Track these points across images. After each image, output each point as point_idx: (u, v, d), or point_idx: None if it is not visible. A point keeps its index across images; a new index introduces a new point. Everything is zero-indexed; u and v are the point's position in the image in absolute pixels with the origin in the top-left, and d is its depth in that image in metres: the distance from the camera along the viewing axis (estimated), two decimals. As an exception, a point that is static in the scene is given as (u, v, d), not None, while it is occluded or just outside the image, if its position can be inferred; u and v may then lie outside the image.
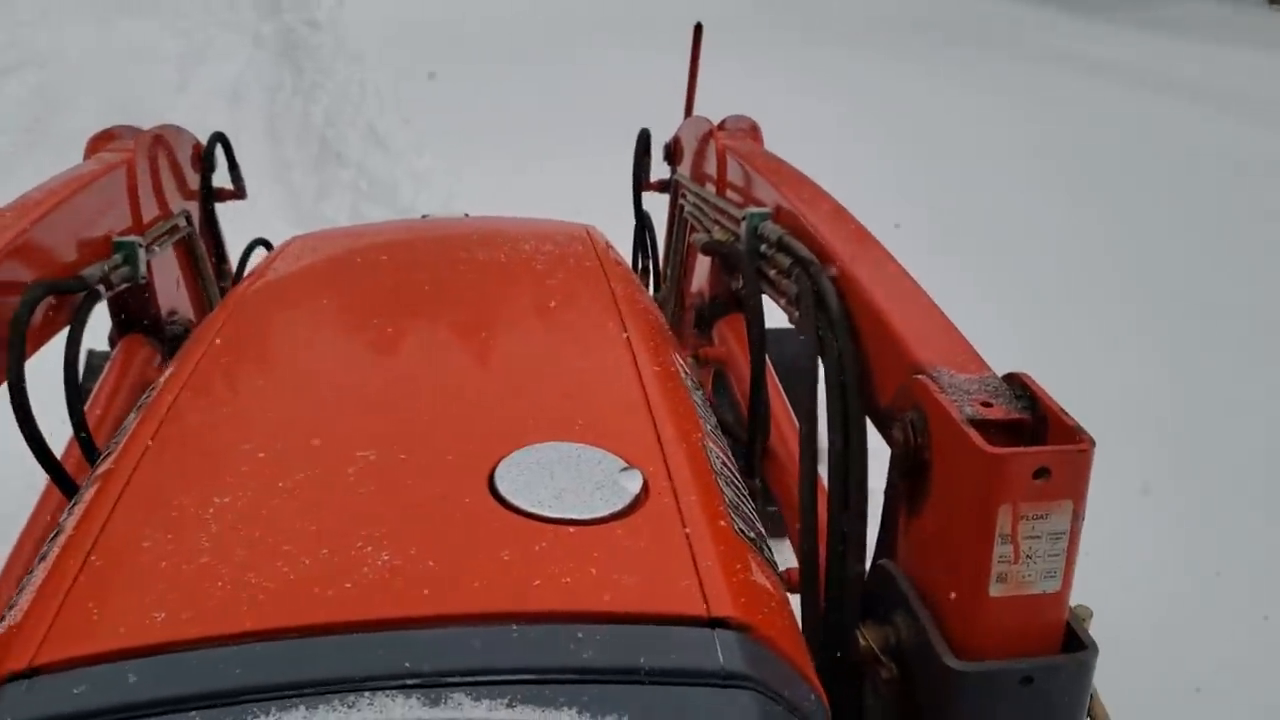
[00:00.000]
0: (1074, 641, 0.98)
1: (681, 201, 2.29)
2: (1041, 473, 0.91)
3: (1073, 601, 1.00)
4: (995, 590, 0.94)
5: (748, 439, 1.54)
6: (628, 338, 1.24)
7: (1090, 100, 7.95)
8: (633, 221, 2.55)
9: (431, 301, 1.37)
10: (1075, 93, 8.15)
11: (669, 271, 2.45)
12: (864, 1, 11.37)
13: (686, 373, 1.26)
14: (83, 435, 1.41)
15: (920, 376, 1.05)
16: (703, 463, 0.99)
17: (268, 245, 2.54)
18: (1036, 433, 0.98)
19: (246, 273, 2.32)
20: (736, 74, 6.07)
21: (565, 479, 0.91)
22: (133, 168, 1.87)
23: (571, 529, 0.84)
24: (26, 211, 1.48)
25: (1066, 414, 0.96)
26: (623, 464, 0.93)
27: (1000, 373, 1.08)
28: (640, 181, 2.55)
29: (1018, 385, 1.03)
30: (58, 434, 1.40)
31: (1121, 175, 6.28)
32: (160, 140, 2.07)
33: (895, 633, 1.04)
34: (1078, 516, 0.94)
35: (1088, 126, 7.25)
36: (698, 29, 2.52)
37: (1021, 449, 0.92)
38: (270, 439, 0.98)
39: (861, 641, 1.06)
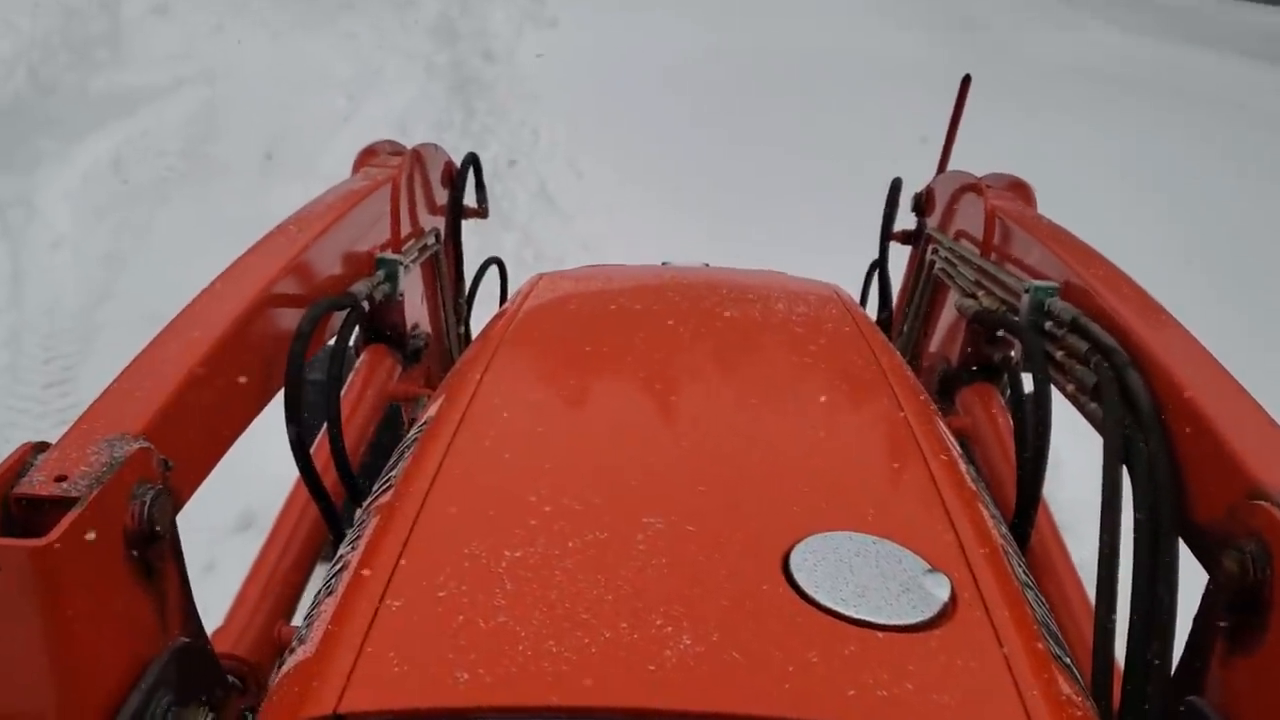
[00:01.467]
0: None
1: (932, 257, 2.20)
2: None
3: None
4: None
5: (1013, 532, 1.41)
6: (904, 417, 1.18)
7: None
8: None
9: (701, 362, 1.34)
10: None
11: (906, 328, 2.37)
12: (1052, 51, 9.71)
13: (967, 459, 1.17)
14: (338, 446, 1.45)
15: (1263, 503, 0.95)
16: (1007, 571, 0.91)
17: (501, 265, 2.62)
18: None
19: (484, 300, 2.47)
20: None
21: (866, 575, 0.85)
22: (397, 186, 1.93)
23: (880, 634, 0.79)
24: (308, 226, 1.55)
25: None
26: (927, 566, 0.87)
27: None
28: (889, 230, 2.49)
29: None
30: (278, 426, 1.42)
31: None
32: (419, 158, 2.14)
33: None
34: None
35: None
36: (965, 80, 2.44)
37: None
38: (555, 492, 0.96)
39: None
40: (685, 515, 0.92)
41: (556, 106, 7.26)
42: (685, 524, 0.90)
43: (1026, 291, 1.53)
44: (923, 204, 2.40)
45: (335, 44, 7.98)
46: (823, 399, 1.29)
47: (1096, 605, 1.09)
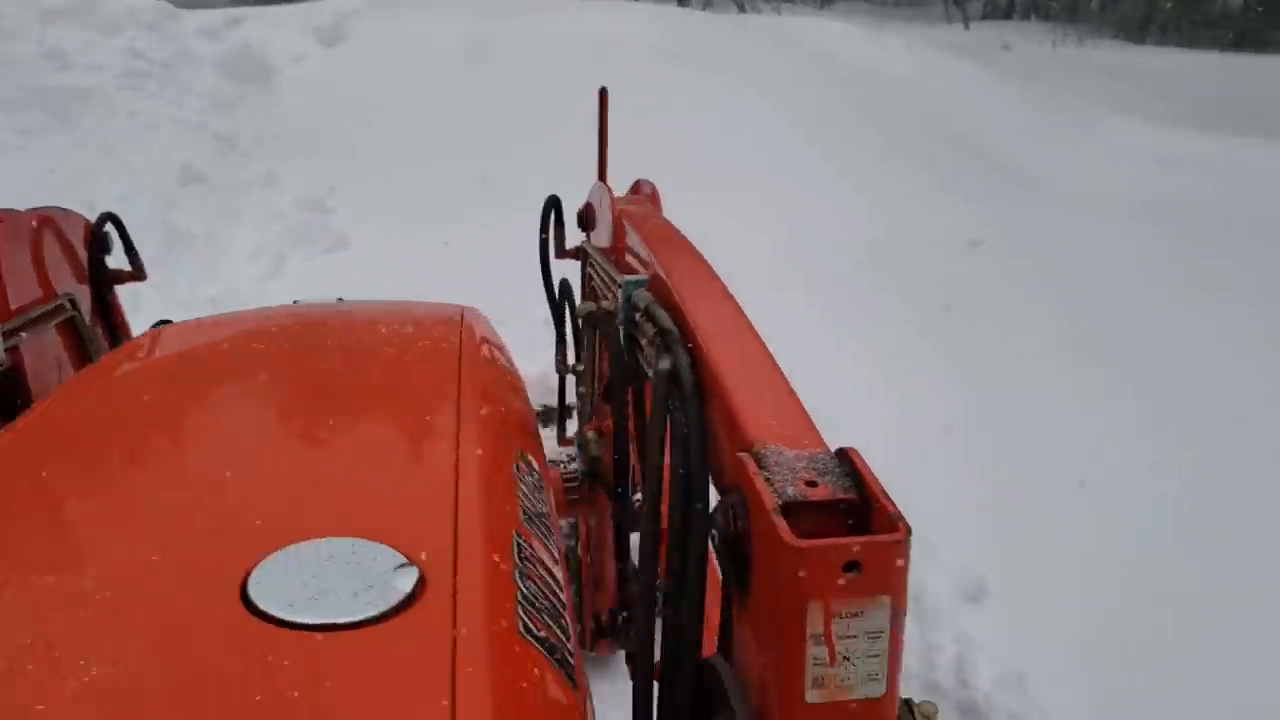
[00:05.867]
0: None
1: (590, 270, 2.23)
2: (852, 566, 0.82)
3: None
4: (812, 696, 0.86)
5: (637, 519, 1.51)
6: (457, 429, 1.19)
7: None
8: None
9: (253, 395, 1.34)
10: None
11: (585, 343, 2.39)
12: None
13: (531, 468, 1.22)
14: None
15: (743, 454, 0.97)
16: (498, 556, 0.92)
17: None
18: (864, 516, 0.90)
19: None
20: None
21: (331, 579, 0.84)
22: None
23: (319, 636, 0.77)
24: None
25: (886, 496, 0.88)
26: (400, 559, 0.86)
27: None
28: (547, 250, 2.51)
29: (848, 462, 0.95)
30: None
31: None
32: (47, 222, 2.08)
33: None
34: (898, 612, 0.85)
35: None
36: (603, 92, 2.52)
37: (826, 540, 0.83)
38: (35, 544, 0.93)
39: None
40: (154, 549, 0.90)
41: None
42: (150, 556, 0.89)
43: (620, 287, 1.61)
44: (584, 219, 2.43)
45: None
46: (368, 419, 1.31)
47: (640, 572, 1.11)
